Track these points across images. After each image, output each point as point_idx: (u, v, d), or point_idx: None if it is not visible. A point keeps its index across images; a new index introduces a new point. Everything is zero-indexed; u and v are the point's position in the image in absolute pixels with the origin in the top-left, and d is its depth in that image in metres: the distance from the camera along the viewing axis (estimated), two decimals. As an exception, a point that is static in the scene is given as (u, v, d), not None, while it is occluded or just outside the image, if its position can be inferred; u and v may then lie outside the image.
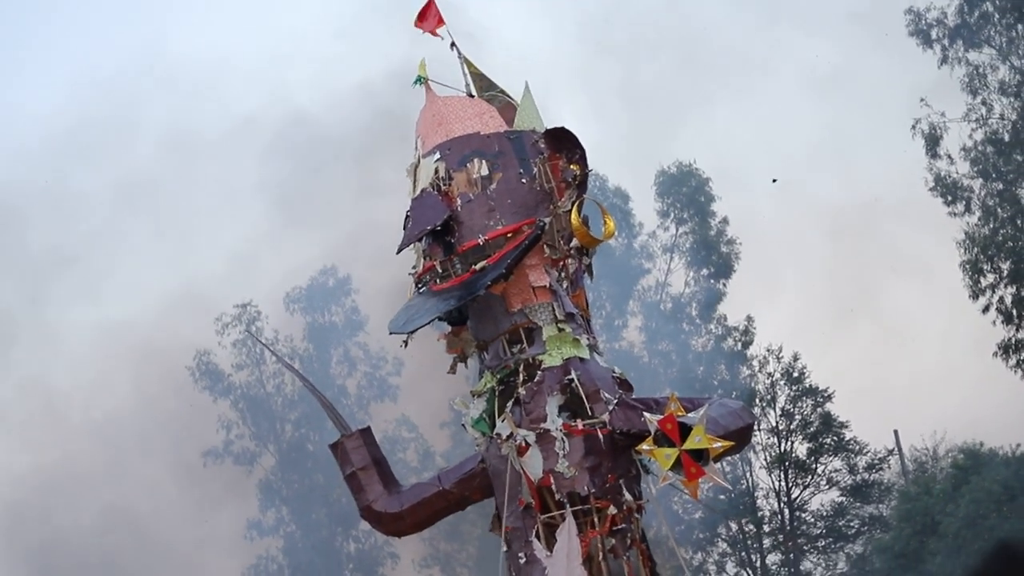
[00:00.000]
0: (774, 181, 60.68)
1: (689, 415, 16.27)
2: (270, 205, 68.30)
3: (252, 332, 63.94)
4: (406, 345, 19.04)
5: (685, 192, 64.23)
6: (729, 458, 55.08)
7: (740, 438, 18.23)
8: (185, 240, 75.19)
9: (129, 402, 64.68)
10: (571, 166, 19.19)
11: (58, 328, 71.90)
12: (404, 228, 19.29)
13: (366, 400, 66.61)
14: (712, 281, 63.95)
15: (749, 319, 62.84)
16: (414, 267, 19.62)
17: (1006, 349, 53.47)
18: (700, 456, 16.11)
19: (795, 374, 58.93)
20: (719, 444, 16.16)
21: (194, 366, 65.23)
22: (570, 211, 18.72)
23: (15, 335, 69.25)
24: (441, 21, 21.16)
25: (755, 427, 21.24)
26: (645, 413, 16.75)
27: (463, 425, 19.12)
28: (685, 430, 16.09)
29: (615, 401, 17.74)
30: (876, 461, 59.78)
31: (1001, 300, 53.62)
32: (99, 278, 72.68)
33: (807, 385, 58.60)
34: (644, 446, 16.41)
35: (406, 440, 66.51)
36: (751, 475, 58.93)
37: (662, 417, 16.26)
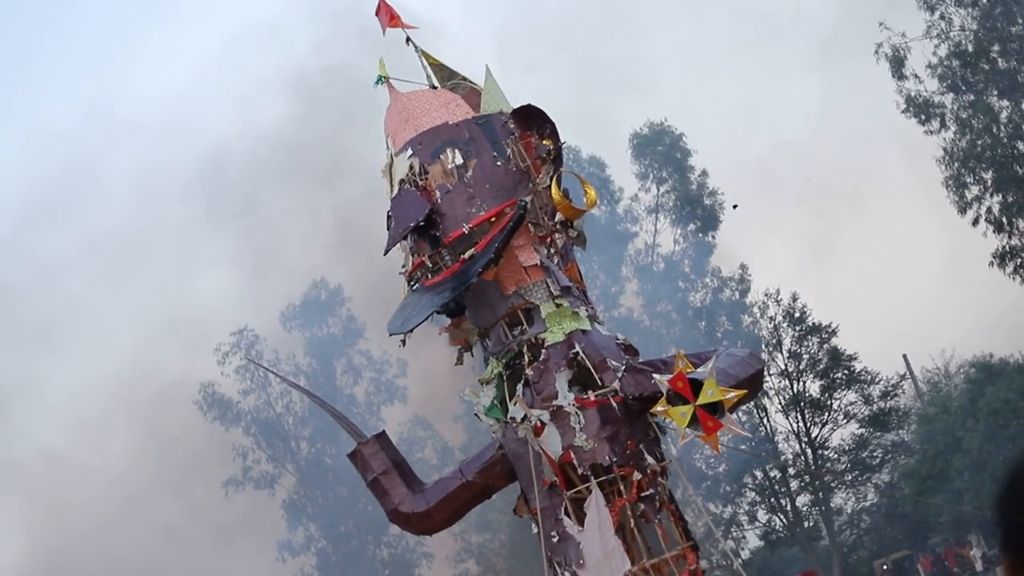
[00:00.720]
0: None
1: (698, 370, 16.27)
2: (247, 231, 68.44)
3: (252, 358, 63.67)
4: (404, 344, 19.05)
5: (661, 151, 64.08)
6: (745, 406, 55.30)
7: (752, 385, 18.23)
8: (167, 281, 74.67)
9: (141, 450, 64.84)
10: (543, 141, 19.19)
11: (56, 393, 72.05)
12: (388, 228, 19.20)
13: (376, 405, 66.48)
14: (701, 235, 63.78)
15: (743, 267, 62.79)
16: (404, 265, 19.55)
17: (1002, 257, 53.43)
18: (715, 409, 16.11)
19: (796, 314, 58.78)
20: (732, 394, 16.16)
21: (200, 399, 64.99)
22: (549, 186, 18.70)
23: (11, 406, 69.29)
24: (396, 18, 21.13)
25: (765, 371, 21.19)
26: (655, 375, 16.74)
27: (476, 415, 19.07)
28: (697, 386, 16.09)
29: (623, 368, 17.71)
30: (890, 388, 59.61)
31: (989, 210, 53.59)
32: (87, 337, 72.88)
33: (810, 323, 58.49)
34: (659, 407, 16.40)
35: (422, 439, 66.41)
36: (768, 421, 58.80)
37: (672, 376, 16.25)
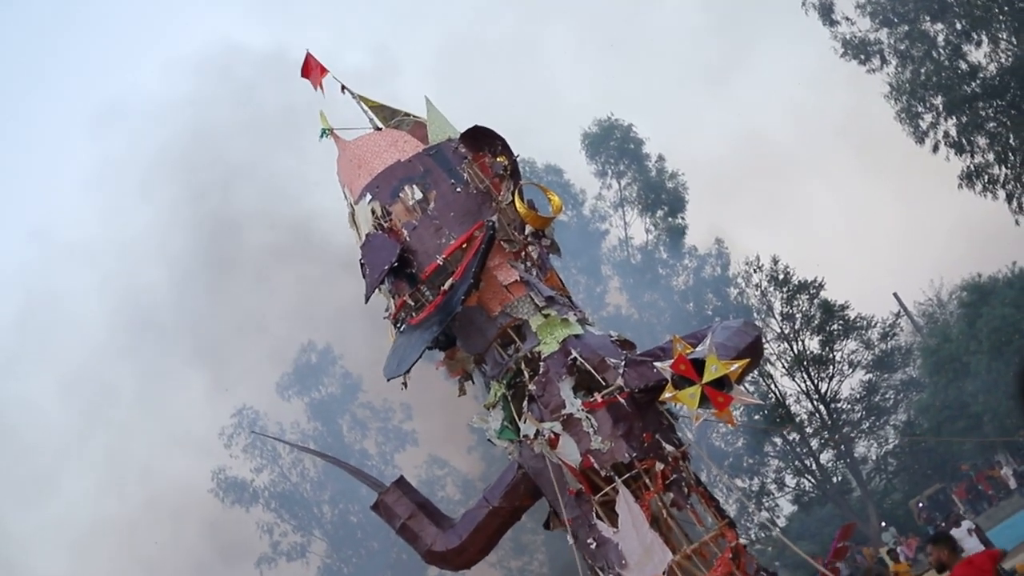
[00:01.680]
0: None
1: (697, 349, 16.25)
2: (221, 316, 68.46)
3: (256, 431, 63.56)
4: (406, 386, 18.84)
5: (614, 145, 64.34)
6: (750, 376, 55.32)
7: (752, 352, 18.21)
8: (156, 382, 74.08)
9: (171, 557, 65.02)
10: (497, 159, 19.18)
11: (66, 524, 72.02)
12: (364, 277, 19.14)
13: (389, 454, 66.46)
14: (670, 219, 64.02)
15: (718, 241, 63.05)
16: (387, 309, 19.50)
17: (969, 177, 53.67)
18: (722, 384, 16.08)
19: (781, 276, 58.90)
20: (736, 366, 16.13)
21: (215, 487, 64.91)
22: (513, 201, 18.69)
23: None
24: (324, 71, 21.15)
25: (762, 337, 21.15)
26: (655, 363, 16.72)
27: (489, 440, 18.99)
28: (699, 365, 16.07)
29: (623, 363, 17.63)
30: (887, 329, 59.80)
31: (946, 134, 53.83)
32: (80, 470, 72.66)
33: (796, 282, 58.60)
34: (666, 394, 16.36)
35: (441, 477, 66.40)
36: (776, 386, 58.88)
37: (672, 361, 16.24)
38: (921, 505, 53.91)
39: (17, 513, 69.23)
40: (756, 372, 57.08)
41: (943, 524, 41.57)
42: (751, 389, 54.30)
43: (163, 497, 66.75)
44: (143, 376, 70.84)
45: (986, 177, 53.50)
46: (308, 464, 66.02)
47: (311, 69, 21.33)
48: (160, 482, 67.51)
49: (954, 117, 53.41)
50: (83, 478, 71.45)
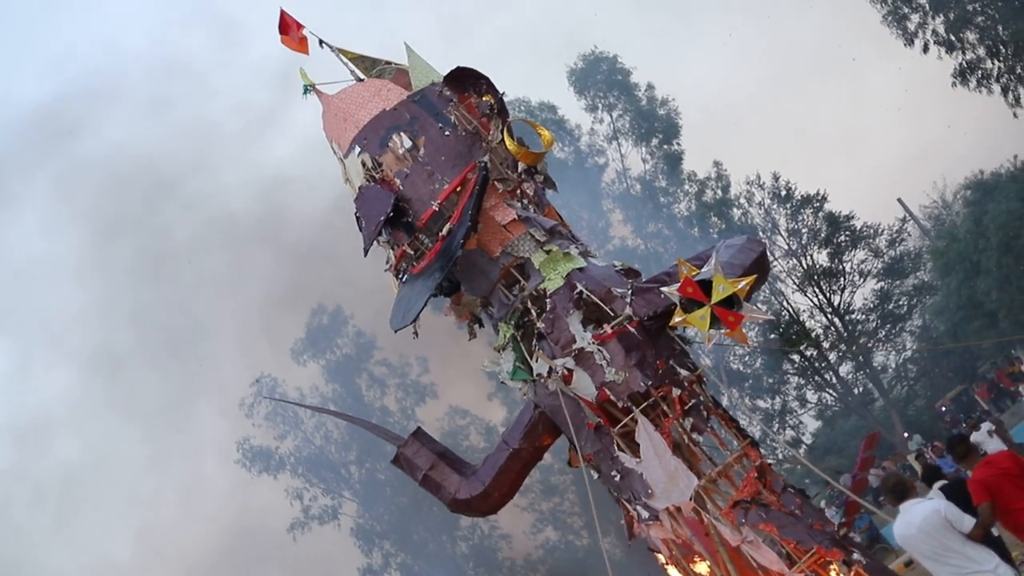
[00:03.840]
0: None
1: (703, 270, 16.07)
2: (234, 288, 68.62)
3: (271, 396, 63.64)
4: (416, 335, 18.69)
5: (600, 79, 64.11)
6: (761, 294, 55.21)
7: (759, 268, 18.03)
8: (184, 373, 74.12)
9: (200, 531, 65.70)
10: (483, 98, 18.99)
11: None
12: (360, 231, 18.96)
13: (409, 409, 66.39)
14: (666, 147, 63.85)
15: (717, 164, 62.71)
16: (387, 261, 19.33)
17: (962, 74, 53.36)
18: (732, 303, 15.89)
19: (783, 192, 58.74)
20: (743, 283, 15.95)
21: (241, 457, 65.04)
22: (503, 139, 18.49)
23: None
24: (300, 27, 20.96)
25: (768, 253, 20.94)
26: (662, 289, 16.54)
27: (502, 382, 18.85)
28: (706, 286, 15.89)
29: (630, 292, 17.45)
30: (894, 235, 59.69)
31: (935, 32, 53.49)
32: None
33: (799, 197, 58.44)
34: (676, 319, 16.19)
35: (463, 427, 66.40)
36: (788, 303, 58.81)
37: (679, 284, 16.05)
38: (944, 409, 53.80)
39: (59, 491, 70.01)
40: (768, 290, 57.15)
41: (964, 427, 41.55)
42: (763, 308, 54.21)
43: (191, 473, 67.29)
44: (155, 355, 70.94)
45: (979, 72, 53.15)
46: (331, 426, 66.05)
47: (288, 28, 21.12)
48: (186, 458, 67.97)
49: (941, 15, 53.06)
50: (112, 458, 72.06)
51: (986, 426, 34.30)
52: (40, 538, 70.85)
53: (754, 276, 16.46)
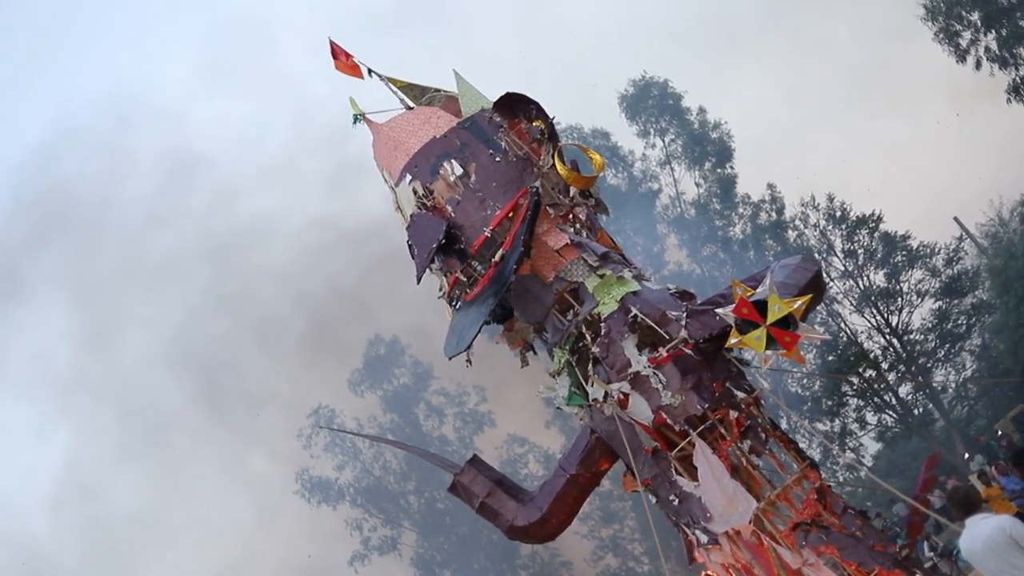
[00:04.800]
0: None
1: (757, 291, 15.94)
2: (293, 324, 69.11)
3: (328, 426, 63.86)
4: (470, 363, 18.64)
5: (652, 103, 64.08)
6: (819, 316, 54.93)
7: (814, 287, 17.81)
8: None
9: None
10: (533, 123, 18.98)
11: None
12: (413, 259, 18.97)
13: (468, 438, 66.42)
14: (719, 170, 63.74)
15: (771, 186, 62.44)
16: (440, 288, 19.33)
17: (1016, 90, 53.06)
18: (787, 323, 15.77)
19: (838, 213, 58.49)
20: (799, 303, 15.80)
21: (300, 488, 65.21)
22: (553, 164, 18.47)
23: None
24: (349, 56, 21.05)
25: (824, 273, 20.82)
26: (717, 311, 16.42)
27: (558, 408, 18.78)
28: (762, 306, 15.75)
29: (684, 314, 17.34)
30: (951, 254, 59.24)
31: (987, 49, 53.23)
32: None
33: (854, 218, 58.17)
34: (732, 341, 16.06)
35: (522, 455, 66.39)
36: (846, 325, 58.52)
37: (734, 306, 15.93)
38: (1000, 433, 53.21)
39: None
40: (824, 312, 56.83)
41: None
42: (821, 330, 53.93)
43: (251, 503, 67.67)
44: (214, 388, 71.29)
45: (1033, 86, 52.91)
46: (390, 456, 66.16)
47: (338, 56, 21.26)
48: (245, 488, 68.32)
49: (993, 31, 52.78)
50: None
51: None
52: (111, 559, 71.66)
53: (810, 296, 16.29)
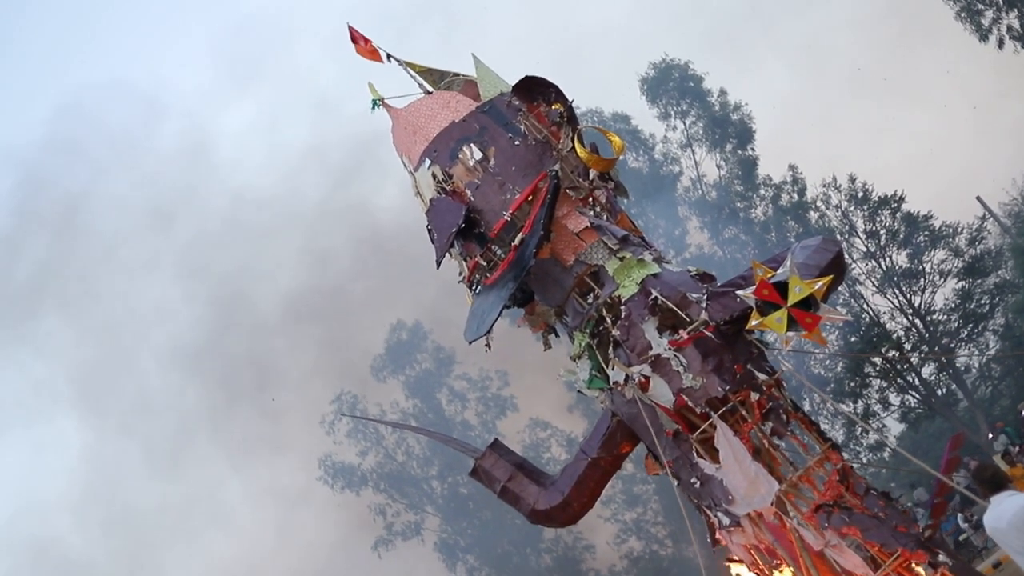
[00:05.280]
0: None
1: (778, 272, 15.89)
2: (316, 306, 69.12)
3: (350, 413, 63.90)
4: (489, 348, 18.62)
5: (672, 86, 63.98)
6: (842, 298, 54.78)
7: (835, 268, 17.78)
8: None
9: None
10: (552, 107, 18.95)
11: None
12: (432, 243, 18.94)
13: (490, 423, 66.41)
14: (740, 152, 63.60)
15: (792, 167, 62.26)
16: (460, 273, 19.31)
17: (1040, 70, 52.97)
18: (808, 304, 15.72)
19: (860, 194, 58.26)
20: (820, 283, 15.75)
21: (323, 474, 65.31)
22: (573, 147, 18.44)
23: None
24: (368, 41, 21.05)
25: (845, 254, 20.70)
26: (738, 292, 16.38)
27: (580, 391, 18.76)
28: (782, 288, 15.71)
29: (705, 297, 17.30)
30: (974, 234, 58.97)
31: (1009, 27, 52.99)
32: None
33: (876, 198, 57.92)
34: (752, 322, 16.04)
35: (544, 439, 66.38)
36: (868, 306, 58.32)
37: (755, 287, 15.90)
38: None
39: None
40: (847, 293, 56.67)
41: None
42: (843, 311, 53.72)
43: (274, 492, 67.88)
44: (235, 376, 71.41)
45: (1058, 68, 52.74)
46: (412, 442, 66.19)
47: (357, 41, 21.27)
48: (268, 477, 68.52)
49: (1015, 9, 52.53)
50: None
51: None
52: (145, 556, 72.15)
53: (831, 276, 16.23)
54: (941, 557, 15.82)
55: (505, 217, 17.94)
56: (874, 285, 58.35)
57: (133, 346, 78.43)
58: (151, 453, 72.84)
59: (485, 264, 18.42)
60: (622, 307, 17.58)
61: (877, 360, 57.92)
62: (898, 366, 58.02)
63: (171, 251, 78.21)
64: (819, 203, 60.20)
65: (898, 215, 57.99)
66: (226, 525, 72.90)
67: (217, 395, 69.75)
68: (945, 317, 58.91)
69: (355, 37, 21.29)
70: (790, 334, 15.79)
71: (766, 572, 17.18)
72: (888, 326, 58.46)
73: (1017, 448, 42.68)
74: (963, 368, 60.30)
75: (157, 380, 74.14)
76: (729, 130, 63.45)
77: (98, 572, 69.92)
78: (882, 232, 58.21)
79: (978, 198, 62.87)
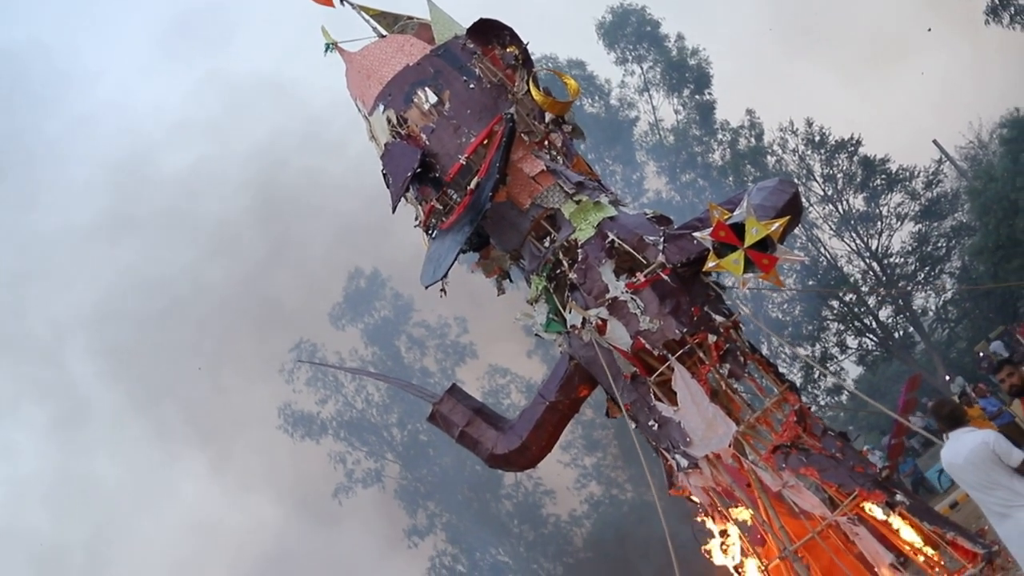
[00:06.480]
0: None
1: (735, 213, 15.89)
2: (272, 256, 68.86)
3: (306, 360, 63.77)
4: (445, 293, 18.56)
5: (630, 31, 63.82)
6: (798, 241, 54.93)
7: (792, 209, 17.76)
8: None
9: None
10: (507, 49, 18.84)
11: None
12: (388, 188, 18.84)
13: (449, 369, 66.37)
14: (698, 97, 63.59)
15: (750, 112, 62.32)
16: (416, 218, 19.22)
17: (994, 11, 52.79)
18: (765, 246, 15.72)
19: (817, 138, 58.31)
20: (776, 224, 15.76)
21: (283, 423, 65.18)
22: (528, 90, 18.35)
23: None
24: (326, -18, 20.82)
25: (803, 197, 20.73)
26: (694, 234, 16.38)
27: (537, 335, 18.75)
28: (739, 229, 15.72)
29: (662, 239, 17.27)
30: (931, 177, 59.17)
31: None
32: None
33: (833, 142, 57.99)
34: (709, 264, 16.05)
35: (504, 385, 66.36)
36: (826, 249, 58.55)
37: (712, 229, 15.89)
38: (982, 355, 53.29)
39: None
40: (804, 236, 56.83)
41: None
42: (800, 254, 53.87)
43: (233, 440, 67.78)
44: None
45: (1012, 8, 52.57)
46: (372, 390, 66.12)
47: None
48: (227, 424, 68.37)
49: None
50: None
51: (1032, 363, 33.92)
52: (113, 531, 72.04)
53: (787, 218, 16.23)
54: (898, 497, 15.88)
55: (461, 161, 17.82)
56: (831, 229, 58.60)
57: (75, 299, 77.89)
58: (105, 421, 72.69)
59: (441, 208, 18.33)
60: (579, 250, 17.54)
61: (835, 302, 58.20)
62: (855, 309, 58.30)
63: (121, 206, 77.55)
64: (776, 147, 60.28)
65: (855, 159, 58.13)
66: (188, 486, 72.82)
67: (174, 341, 69.65)
68: (902, 260, 59.21)
69: None
70: (747, 276, 15.80)
71: (725, 514, 17.22)
72: (845, 269, 58.74)
73: (973, 389, 42.97)
74: (920, 311, 60.68)
75: (106, 330, 73.64)
76: (686, 75, 63.41)
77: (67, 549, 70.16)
78: (839, 176, 58.38)
79: (934, 141, 63.06)
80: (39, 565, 69.97)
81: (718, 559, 17.63)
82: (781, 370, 18.55)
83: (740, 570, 17.32)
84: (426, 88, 18.62)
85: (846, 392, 60.17)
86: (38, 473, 74.71)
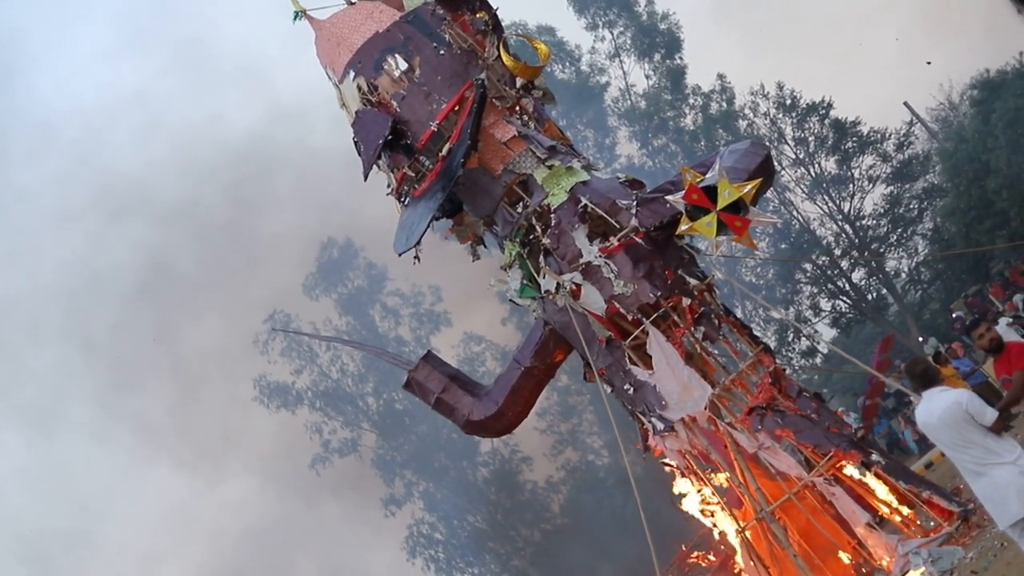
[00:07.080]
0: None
1: (707, 176, 15.89)
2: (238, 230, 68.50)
3: (280, 328, 63.59)
4: (418, 260, 18.51)
5: (601, -4, 63.74)
6: (771, 204, 54.98)
7: (764, 171, 17.75)
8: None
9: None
10: (477, 15, 18.77)
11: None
12: (359, 156, 18.76)
13: (424, 338, 66.15)
14: (669, 62, 63.43)
15: (720, 76, 62.19)
16: (389, 185, 19.15)
17: (963, -28, 52.90)
18: (738, 208, 15.72)
19: (788, 101, 58.26)
20: (748, 187, 15.79)
21: (258, 394, 64.98)
22: (499, 56, 18.28)
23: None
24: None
25: (775, 160, 20.76)
26: (667, 197, 16.38)
27: (512, 302, 18.73)
28: (712, 192, 15.73)
29: (635, 203, 17.25)
30: (902, 139, 59.16)
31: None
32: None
33: (804, 105, 57.95)
34: (682, 227, 16.08)
35: (479, 353, 66.17)
36: (798, 213, 58.58)
37: (684, 192, 15.89)
38: (956, 316, 53.43)
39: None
40: (776, 200, 56.84)
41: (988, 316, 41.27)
42: (773, 217, 53.85)
43: (208, 412, 67.53)
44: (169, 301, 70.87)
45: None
46: (347, 359, 65.91)
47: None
48: (203, 397, 68.11)
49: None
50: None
51: (1004, 319, 34.01)
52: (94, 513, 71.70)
53: (760, 180, 16.25)
54: (874, 456, 15.95)
55: (432, 127, 17.79)
56: (803, 192, 58.56)
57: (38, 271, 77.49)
58: (78, 408, 72.39)
59: (413, 175, 18.29)
60: (552, 215, 17.54)
61: (808, 266, 58.31)
62: (828, 271, 58.42)
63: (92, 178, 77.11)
64: (748, 111, 60.24)
65: (826, 122, 58.06)
66: (165, 463, 72.52)
67: (147, 315, 69.33)
68: (874, 222, 59.23)
69: None
70: (720, 238, 15.82)
71: (701, 476, 17.26)
72: (818, 232, 58.79)
73: (946, 349, 43.11)
74: (893, 273, 60.75)
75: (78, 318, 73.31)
76: (657, 39, 63.19)
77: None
78: (811, 139, 58.34)
79: (905, 103, 63.05)
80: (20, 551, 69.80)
81: (693, 510, 17.74)
82: (756, 333, 18.58)
83: (715, 524, 17.44)
84: (396, 55, 18.52)
85: (820, 355, 60.31)
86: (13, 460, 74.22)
